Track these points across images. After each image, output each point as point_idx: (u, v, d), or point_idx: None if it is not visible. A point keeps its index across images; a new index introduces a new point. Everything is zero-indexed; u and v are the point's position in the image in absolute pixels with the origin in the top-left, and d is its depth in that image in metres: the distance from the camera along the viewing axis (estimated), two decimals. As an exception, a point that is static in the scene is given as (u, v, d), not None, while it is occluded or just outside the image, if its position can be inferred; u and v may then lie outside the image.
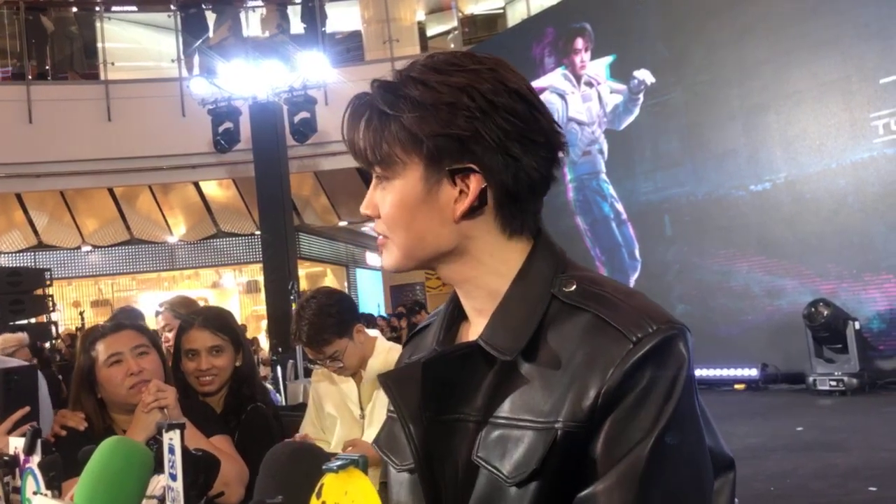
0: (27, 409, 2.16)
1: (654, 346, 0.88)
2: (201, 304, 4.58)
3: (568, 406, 0.90)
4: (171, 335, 3.58)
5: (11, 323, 8.69)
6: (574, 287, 0.97)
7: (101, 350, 2.23)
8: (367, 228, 18.06)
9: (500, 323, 0.98)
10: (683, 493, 0.88)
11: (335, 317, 2.60)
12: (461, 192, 0.98)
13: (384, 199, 1.01)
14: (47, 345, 9.66)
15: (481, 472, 0.95)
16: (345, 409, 2.72)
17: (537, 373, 0.94)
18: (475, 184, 0.97)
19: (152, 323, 4.50)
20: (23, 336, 5.33)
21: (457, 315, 1.09)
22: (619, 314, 0.92)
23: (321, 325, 2.58)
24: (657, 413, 0.87)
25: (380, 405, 2.61)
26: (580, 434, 0.89)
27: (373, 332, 2.78)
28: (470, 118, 0.95)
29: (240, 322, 11.69)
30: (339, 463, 0.91)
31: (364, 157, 1.00)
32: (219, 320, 2.61)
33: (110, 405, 2.24)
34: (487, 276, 1.01)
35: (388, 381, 1.03)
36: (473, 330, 1.04)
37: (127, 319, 3.54)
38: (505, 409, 0.95)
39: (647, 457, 0.86)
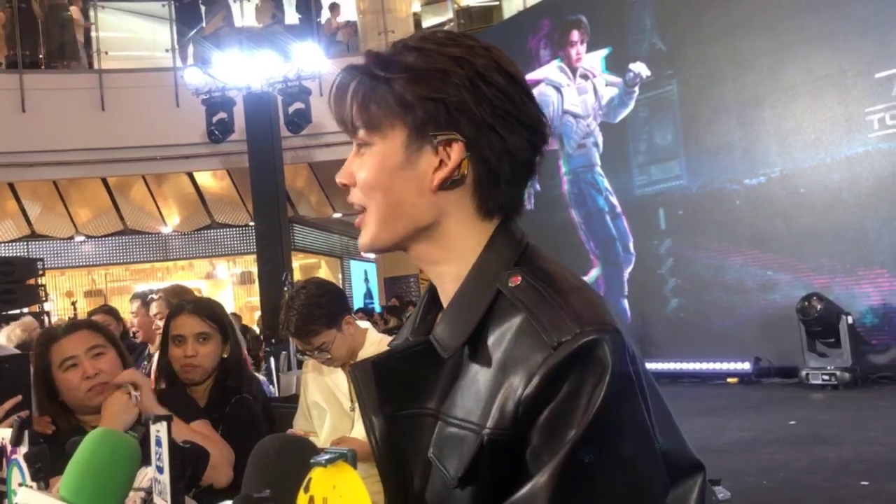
0: (19, 397, 2.15)
1: (573, 351, 0.84)
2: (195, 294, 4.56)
3: (494, 412, 0.87)
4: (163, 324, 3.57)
5: (4, 313, 8.64)
6: (518, 282, 0.93)
7: (55, 354, 2.19)
8: (362, 220, 17.99)
9: (448, 318, 0.97)
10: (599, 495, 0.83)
11: (324, 307, 2.59)
12: (441, 161, 0.96)
13: (362, 165, 0.99)
14: (39, 335, 9.61)
15: (435, 468, 0.94)
16: (334, 402, 2.71)
17: (479, 373, 0.91)
18: (457, 153, 0.95)
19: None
20: (33, 320, 5.36)
21: (434, 303, 1.07)
22: (547, 316, 0.88)
23: (309, 315, 2.57)
24: (574, 423, 0.82)
25: None
26: (505, 442, 0.86)
27: (364, 324, 2.77)
28: (460, 87, 0.95)
29: (233, 312, 11.63)
30: (327, 457, 0.90)
31: (350, 122, 1.00)
32: (208, 308, 2.59)
33: (74, 408, 2.20)
34: (454, 260, 0.99)
35: (356, 373, 1.02)
36: None
37: (175, 298, 3.54)
38: (454, 407, 0.93)
39: (558, 471, 0.82)
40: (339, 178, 1.02)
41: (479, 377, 0.91)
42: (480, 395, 0.90)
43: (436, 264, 1.01)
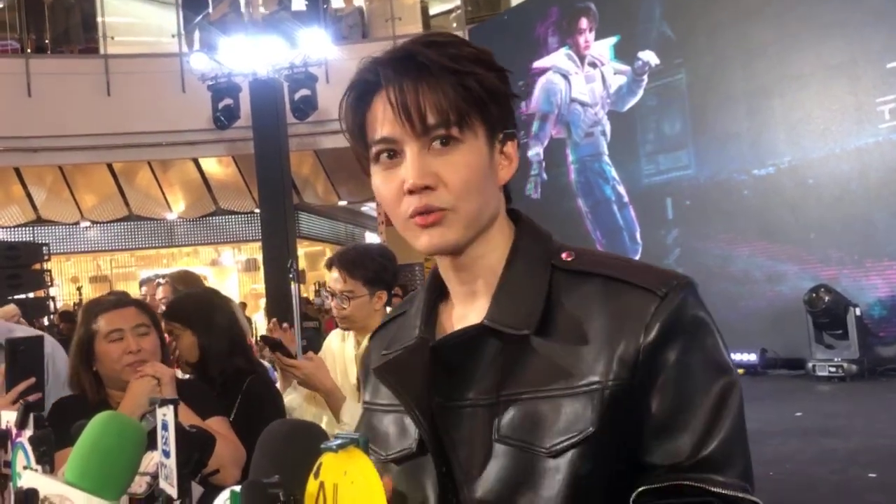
0: (32, 380, 2.18)
1: (682, 299, 0.92)
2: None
3: (605, 366, 0.90)
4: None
5: (10, 297, 8.66)
6: (573, 257, 0.99)
7: (103, 324, 2.22)
8: (367, 208, 18.02)
9: (505, 301, 0.97)
10: (741, 416, 0.93)
11: (375, 264, 2.61)
12: (503, 154, 1.00)
13: (451, 164, 0.95)
14: (45, 320, 9.65)
15: (506, 450, 0.93)
16: (345, 379, 2.70)
17: (556, 343, 0.94)
18: (513, 148, 1.00)
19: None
20: (15, 307, 5.33)
21: (434, 302, 1.07)
22: (636, 274, 0.95)
23: (361, 261, 2.60)
24: (712, 365, 0.92)
25: None
26: (622, 392, 0.90)
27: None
28: (508, 83, 0.99)
29: (238, 300, 11.63)
30: (338, 442, 0.88)
31: (435, 116, 0.93)
32: (171, 310, 2.70)
33: (106, 380, 2.23)
34: (492, 249, 1.01)
35: (385, 372, 1.01)
36: (459, 314, 1.03)
37: (181, 284, 3.62)
38: (524, 384, 0.94)
39: (731, 417, 0.91)
40: (423, 181, 0.94)
41: (557, 347, 0.94)
42: (569, 360, 0.92)
43: (479, 257, 1.01)
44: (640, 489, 0.89)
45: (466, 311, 1.02)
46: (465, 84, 0.94)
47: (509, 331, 0.95)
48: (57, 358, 2.58)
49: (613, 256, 1.01)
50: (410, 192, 0.94)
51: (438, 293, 1.07)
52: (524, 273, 0.99)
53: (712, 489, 0.88)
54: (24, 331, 2.81)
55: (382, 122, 0.96)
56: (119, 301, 2.32)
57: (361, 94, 0.98)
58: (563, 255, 0.99)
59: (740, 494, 0.89)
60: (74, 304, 13.01)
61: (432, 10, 17.36)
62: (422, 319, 1.05)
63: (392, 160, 0.97)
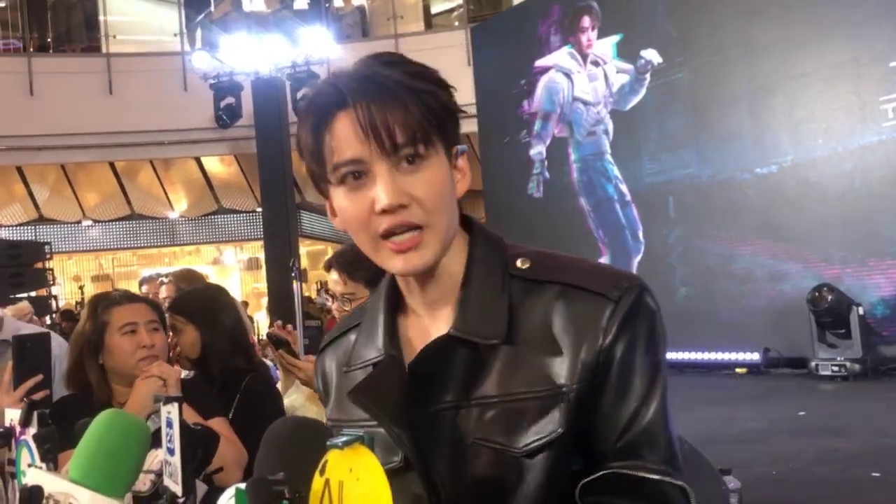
0: (40, 377, 2.16)
1: (634, 301, 0.96)
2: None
3: (570, 370, 0.95)
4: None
5: (12, 296, 8.67)
6: (529, 264, 1.01)
7: (116, 317, 2.21)
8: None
9: (469, 311, 0.99)
10: (665, 403, 0.98)
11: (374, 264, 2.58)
12: (457, 169, 1.02)
13: (422, 181, 0.96)
14: (47, 319, 9.65)
15: (480, 451, 0.96)
16: None
17: (521, 349, 0.97)
18: (465, 162, 1.02)
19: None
20: (28, 305, 5.37)
21: (392, 313, 1.08)
22: (590, 279, 0.98)
23: (360, 262, 2.54)
24: (652, 360, 0.96)
25: None
26: (585, 394, 0.95)
27: None
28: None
29: (240, 299, 11.63)
30: (343, 439, 0.87)
31: (403, 135, 0.94)
32: (177, 304, 2.72)
33: (112, 374, 2.21)
34: (453, 261, 1.02)
35: (359, 395, 1.01)
36: (424, 324, 1.05)
37: (185, 283, 3.65)
38: (493, 388, 0.97)
39: (659, 400, 0.96)
40: (397, 200, 0.94)
41: (522, 353, 0.97)
42: (534, 365, 0.96)
43: (441, 267, 1.02)
44: (580, 485, 0.94)
45: (430, 320, 1.04)
46: (426, 102, 0.95)
47: (479, 340, 0.97)
48: (64, 358, 2.58)
49: (567, 260, 1.03)
50: (384, 211, 0.95)
51: (395, 304, 1.08)
52: (484, 283, 1.00)
53: (637, 474, 0.93)
54: (32, 329, 2.81)
55: (349, 143, 0.95)
56: (130, 296, 2.33)
57: (322, 116, 0.97)
58: (519, 263, 1.01)
59: (667, 479, 0.93)
60: (76, 302, 13.02)
61: (434, 9, 17.35)
62: (385, 333, 1.05)
63: (358, 181, 0.96)
